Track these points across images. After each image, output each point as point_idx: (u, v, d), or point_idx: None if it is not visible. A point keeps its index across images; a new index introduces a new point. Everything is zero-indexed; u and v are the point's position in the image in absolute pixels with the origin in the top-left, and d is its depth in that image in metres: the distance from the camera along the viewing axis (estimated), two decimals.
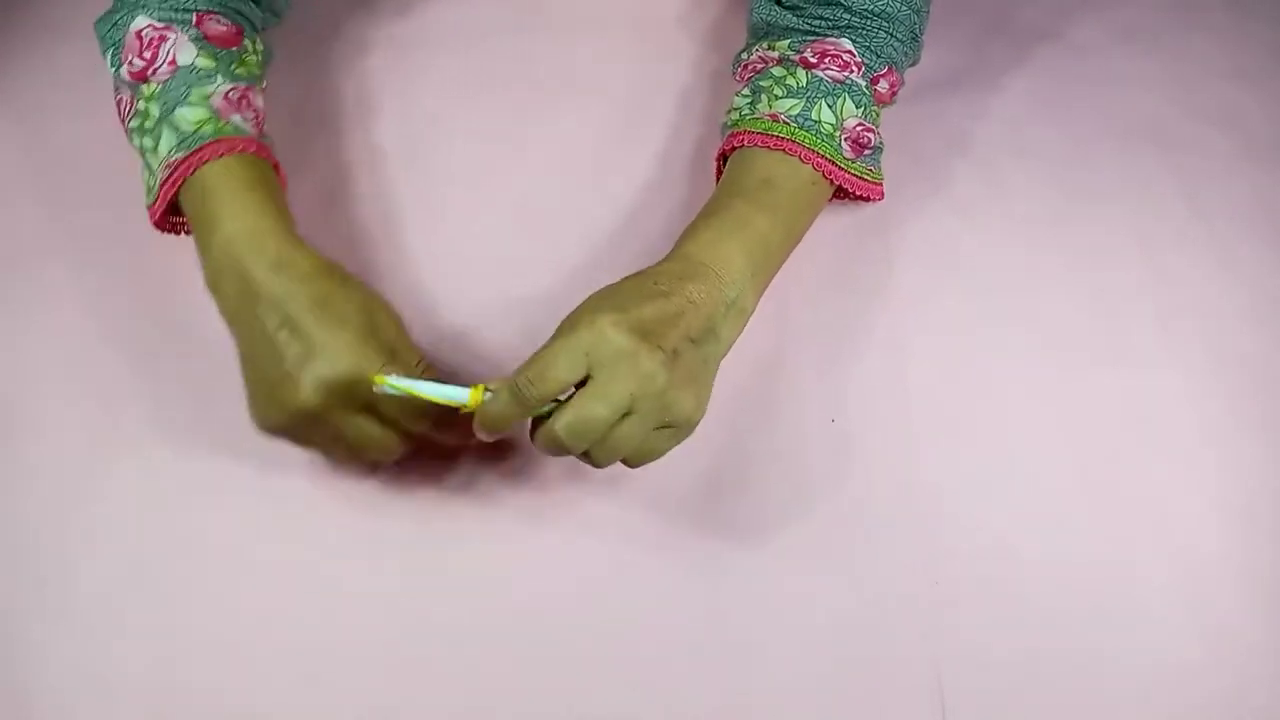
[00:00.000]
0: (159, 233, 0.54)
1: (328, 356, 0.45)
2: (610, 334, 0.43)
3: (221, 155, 0.49)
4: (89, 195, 0.61)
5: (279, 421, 0.46)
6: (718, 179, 0.57)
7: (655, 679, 0.50)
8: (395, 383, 0.45)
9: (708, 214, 0.52)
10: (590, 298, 0.47)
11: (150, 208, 0.52)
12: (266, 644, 0.50)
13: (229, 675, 0.49)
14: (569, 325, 0.46)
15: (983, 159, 0.65)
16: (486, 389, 0.45)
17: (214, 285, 0.48)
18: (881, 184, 0.56)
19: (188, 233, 0.53)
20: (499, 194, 0.62)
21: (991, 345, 0.58)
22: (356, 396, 0.45)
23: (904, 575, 0.52)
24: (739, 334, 0.49)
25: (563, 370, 0.43)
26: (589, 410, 0.43)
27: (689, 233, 0.51)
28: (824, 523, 0.53)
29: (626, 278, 0.48)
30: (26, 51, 0.68)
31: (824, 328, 0.58)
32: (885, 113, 0.57)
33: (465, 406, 0.45)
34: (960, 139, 0.66)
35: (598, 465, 0.45)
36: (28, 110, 0.65)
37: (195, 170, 0.49)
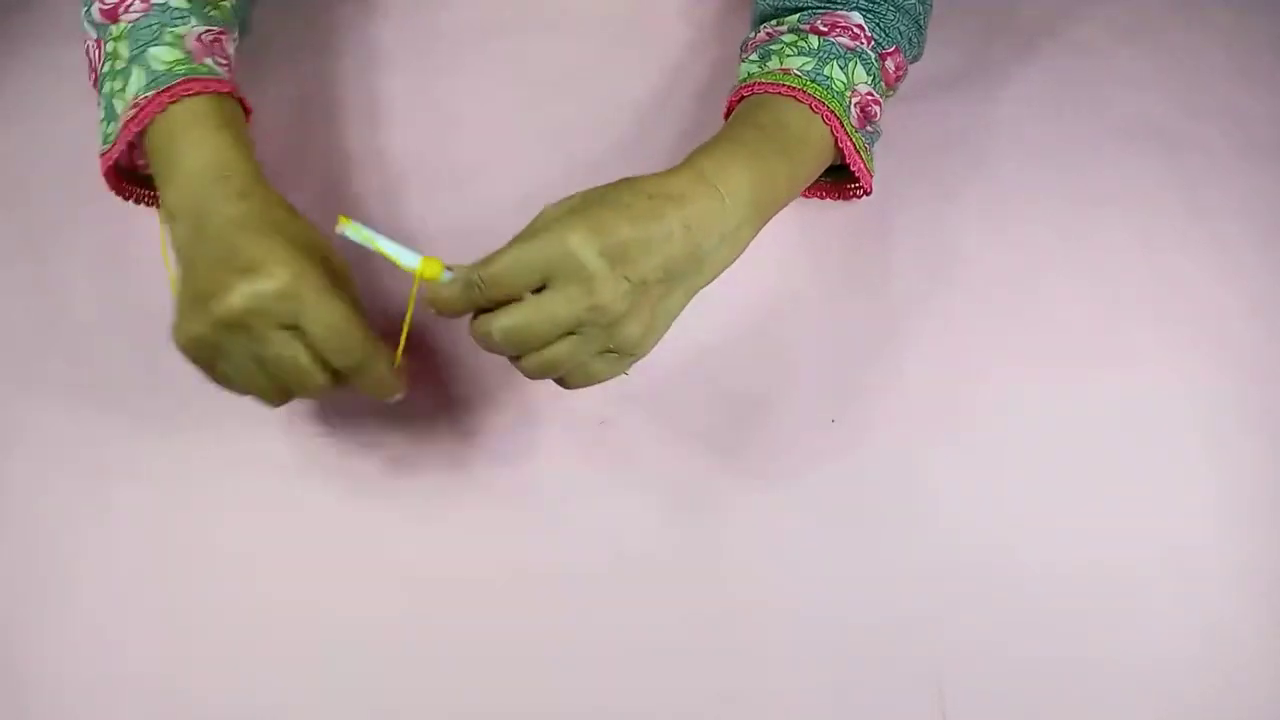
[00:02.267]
0: (109, 191, 0.52)
1: (269, 264, 0.43)
2: (577, 250, 0.41)
3: (195, 94, 0.48)
4: (93, 193, 0.61)
5: (200, 331, 0.43)
6: None
7: (653, 679, 0.50)
8: (358, 228, 0.44)
9: (721, 139, 0.49)
10: (573, 197, 0.44)
11: (104, 154, 0.50)
12: (269, 648, 0.50)
13: (231, 678, 0.49)
14: (543, 224, 0.43)
15: (983, 158, 0.65)
16: (446, 268, 0.44)
17: (172, 214, 0.47)
18: (872, 178, 0.55)
19: (136, 200, 0.52)
20: (501, 188, 0.62)
21: (991, 345, 0.58)
22: (287, 311, 0.43)
23: (904, 575, 0.52)
24: (727, 267, 0.47)
25: (518, 278, 0.42)
26: (530, 320, 0.42)
27: (703, 149, 0.48)
28: (823, 523, 0.53)
29: (623, 181, 0.45)
30: (31, 48, 0.67)
31: (824, 328, 0.58)
32: (885, 106, 0.57)
33: (415, 272, 0.44)
34: (961, 138, 0.66)
35: (528, 376, 0.44)
36: (30, 108, 0.65)
37: (166, 108, 0.48)
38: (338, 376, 0.45)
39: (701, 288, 0.46)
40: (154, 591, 0.51)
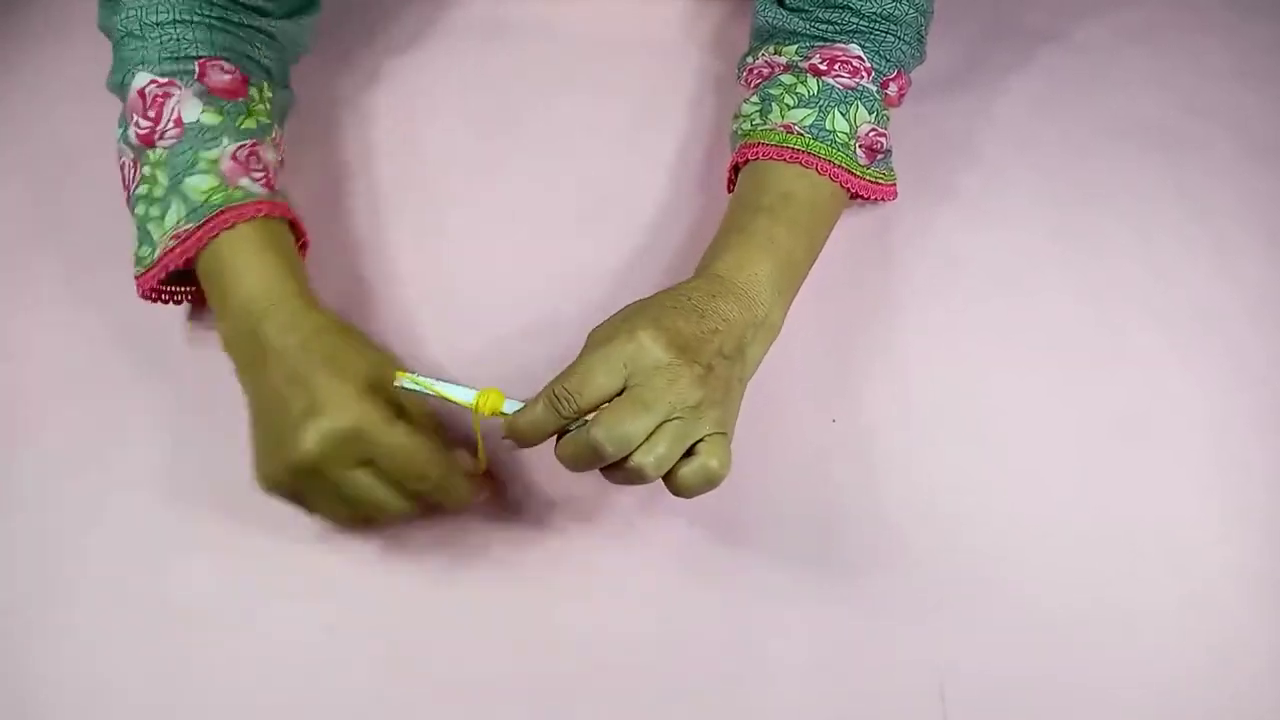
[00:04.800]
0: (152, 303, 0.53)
1: (331, 408, 0.44)
2: (650, 346, 0.44)
3: (232, 225, 0.49)
4: (92, 198, 0.61)
5: (280, 478, 0.46)
6: (729, 188, 0.57)
7: (654, 666, 0.50)
8: (415, 378, 0.46)
9: (731, 231, 0.51)
10: (624, 310, 0.47)
11: (142, 276, 0.51)
12: (267, 668, 0.49)
13: (227, 700, 0.49)
14: (604, 336, 0.45)
15: (981, 158, 0.65)
16: (506, 399, 0.46)
17: (230, 347, 0.49)
18: (895, 184, 0.56)
19: (175, 301, 0.54)
20: (504, 207, 0.63)
21: (992, 345, 0.58)
22: (358, 451, 0.45)
23: (905, 578, 0.52)
24: (765, 353, 0.50)
25: (602, 381, 0.43)
26: (628, 417, 0.42)
27: (715, 251, 0.51)
28: (825, 524, 0.53)
29: (659, 293, 0.48)
30: (33, 50, 0.67)
31: (825, 328, 0.58)
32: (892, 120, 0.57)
33: (475, 406, 0.46)
34: (960, 138, 0.66)
35: (638, 477, 0.44)
36: (32, 111, 0.65)
37: (209, 241, 0.49)
38: (418, 497, 0.47)
39: (750, 376, 0.49)
40: (150, 597, 0.51)
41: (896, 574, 0.52)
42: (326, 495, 0.46)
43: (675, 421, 0.43)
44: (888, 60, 0.55)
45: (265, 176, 0.53)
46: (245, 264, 0.49)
